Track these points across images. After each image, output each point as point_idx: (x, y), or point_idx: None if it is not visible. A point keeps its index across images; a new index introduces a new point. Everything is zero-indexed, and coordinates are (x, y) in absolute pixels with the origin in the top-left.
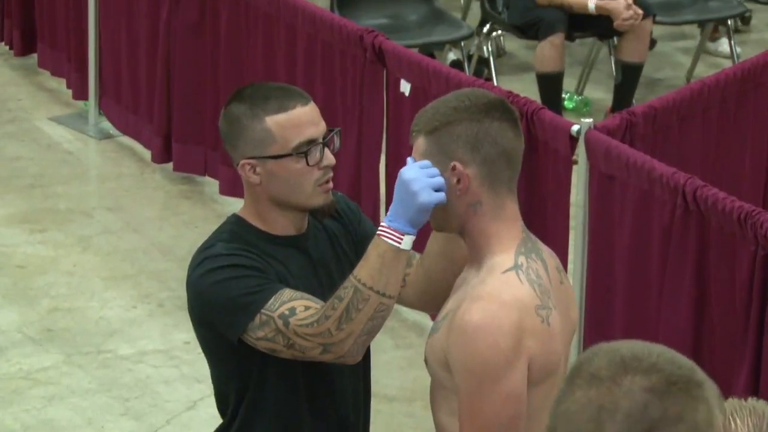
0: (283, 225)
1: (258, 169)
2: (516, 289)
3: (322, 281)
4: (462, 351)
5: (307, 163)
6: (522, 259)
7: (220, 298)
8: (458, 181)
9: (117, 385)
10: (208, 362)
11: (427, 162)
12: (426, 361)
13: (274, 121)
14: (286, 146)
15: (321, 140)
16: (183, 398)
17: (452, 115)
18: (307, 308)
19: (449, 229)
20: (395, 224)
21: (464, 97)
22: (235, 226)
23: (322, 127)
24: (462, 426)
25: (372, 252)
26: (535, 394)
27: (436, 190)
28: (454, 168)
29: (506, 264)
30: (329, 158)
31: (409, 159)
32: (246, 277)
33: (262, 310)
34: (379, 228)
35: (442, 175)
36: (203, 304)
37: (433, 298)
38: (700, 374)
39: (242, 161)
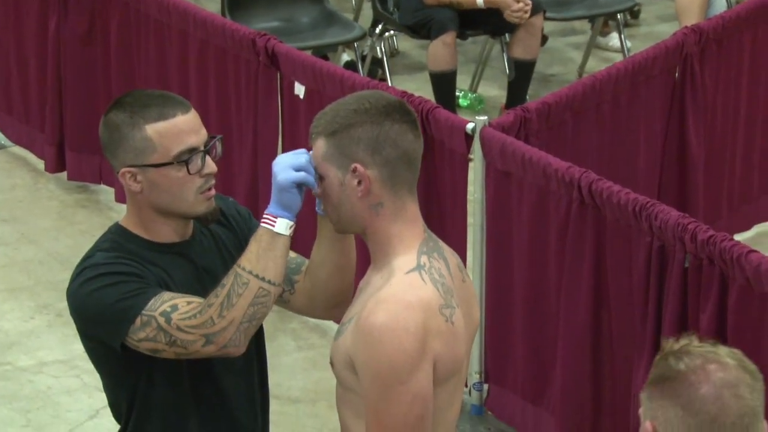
0: (165, 232)
1: (139, 178)
2: (419, 289)
3: (208, 288)
4: (367, 353)
5: (188, 172)
6: (425, 259)
7: (99, 307)
8: (359, 182)
9: (17, 397)
10: (98, 372)
11: (302, 149)
12: (331, 363)
13: (154, 129)
14: (167, 155)
15: (202, 148)
16: (85, 407)
17: (352, 118)
18: (189, 303)
19: (351, 231)
20: (269, 209)
21: (364, 99)
22: (116, 236)
23: (203, 134)
24: (369, 428)
25: (252, 239)
26: (440, 393)
27: (298, 170)
28: (355, 170)
29: (409, 265)
30: (210, 166)
31: None
32: (124, 283)
33: (143, 312)
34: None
35: (342, 177)
36: (83, 314)
37: (323, 305)
38: None
39: (123, 170)
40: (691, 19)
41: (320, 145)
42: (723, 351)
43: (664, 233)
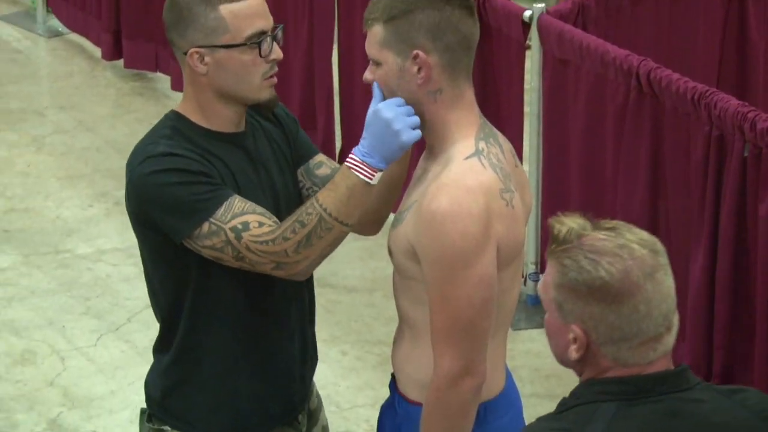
0: (223, 120)
1: (206, 59)
2: (480, 174)
3: (262, 179)
4: (432, 239)
5: (260, 55)
6: (482, 145)
7: (167, 201)
8: (419, 69)
9: (77, 284)
10: (146, 262)
11: (400, 99)
12: (390, 252)
13: (228, 9)
14: (239, 36)
15: (270, 33)
16: (143, 295)
17: (412, 3)
18: (261, 224)
19: None
20: (369, 159)
21: None
22: (175, 122)
23: (270, 20)
24: (434, 313)
25: (341, 183)
26: (503, 276)
27: (414, 129)
28: (416, 56)
29: (468, 150)
30: (278, 52)
31: (375, 86)
32: (194, 183)
33: (212, 219)
34: (351, 160)
35: (402, 63)
36: (147, 203)
37: (361, 219)
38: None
39: (191, 50)
40: None
41: (377, 31)
42: (632, 241)
43: (723, 122)
